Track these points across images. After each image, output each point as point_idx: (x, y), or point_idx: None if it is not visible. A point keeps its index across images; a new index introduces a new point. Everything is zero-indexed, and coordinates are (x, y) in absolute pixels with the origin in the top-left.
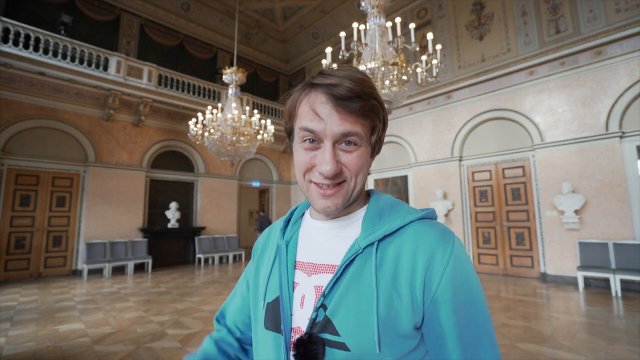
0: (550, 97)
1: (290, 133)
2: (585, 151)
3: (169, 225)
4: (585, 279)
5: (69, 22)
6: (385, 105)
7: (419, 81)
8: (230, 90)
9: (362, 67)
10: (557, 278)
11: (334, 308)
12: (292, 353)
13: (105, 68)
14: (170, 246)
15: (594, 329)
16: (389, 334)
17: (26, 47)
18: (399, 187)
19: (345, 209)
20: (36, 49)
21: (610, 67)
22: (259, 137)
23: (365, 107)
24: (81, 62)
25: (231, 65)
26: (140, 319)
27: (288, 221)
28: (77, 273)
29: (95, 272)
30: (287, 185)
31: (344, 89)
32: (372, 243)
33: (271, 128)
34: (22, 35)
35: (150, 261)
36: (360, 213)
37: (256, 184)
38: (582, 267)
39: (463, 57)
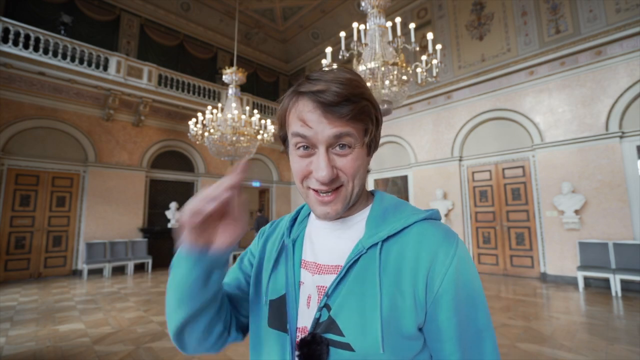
0: (550, 97)
1: (284, 140)
2: (585, 151)
3: (169, 225)
4: (585, 279)
5: (69, 22)
6: (386, 106)
7: (419, 81)
8: (230, 90)
9: (362, 67)
10: (557, 278)
11: (338, 308)
12: (296, 353)
13: (105, 68)
14: (171, 246)
15: (594, 329)
16: (392, 334)
17: (26, 47)
18: (399, 187)
19: (348, 210)
20: (36, 49)
21: (610, 67)
22: (259, 137)
23: (355, 109)
24: (81, 62)
25: (231, 65)
26: (140, 319)
27: (294, 219)
28: (77, 273)
29: (95, 272)
30: (287, 186)
31: (331, 94)
32: (376, 244)
33: (271, 128)
34: (22, 35)
35: (150, 261)
36: (364, 213)
37: (256, 184)
38: (582, 267)
39: (463, 57)
